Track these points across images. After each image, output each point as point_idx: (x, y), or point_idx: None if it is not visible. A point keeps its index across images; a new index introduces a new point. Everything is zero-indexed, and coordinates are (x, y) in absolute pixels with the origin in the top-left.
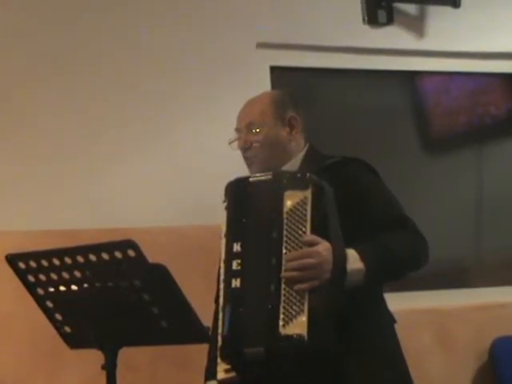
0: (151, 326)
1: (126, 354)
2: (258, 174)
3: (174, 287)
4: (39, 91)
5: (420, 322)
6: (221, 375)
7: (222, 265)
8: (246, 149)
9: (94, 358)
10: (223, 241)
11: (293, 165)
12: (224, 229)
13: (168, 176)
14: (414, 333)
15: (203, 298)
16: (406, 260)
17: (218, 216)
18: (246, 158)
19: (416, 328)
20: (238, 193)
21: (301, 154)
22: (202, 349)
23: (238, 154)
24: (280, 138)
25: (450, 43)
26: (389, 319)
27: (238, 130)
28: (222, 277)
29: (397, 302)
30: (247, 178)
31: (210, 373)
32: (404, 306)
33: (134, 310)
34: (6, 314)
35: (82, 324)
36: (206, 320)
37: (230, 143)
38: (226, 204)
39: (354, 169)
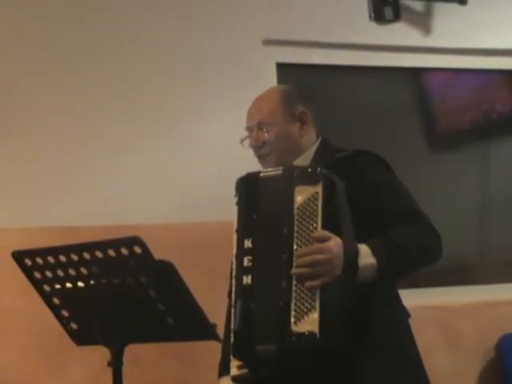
0: (157, 322)
1: (132, 351)
2: (268, 169)
3: (180, 284)
4: (41, 90)
5: (426, 319)
6: (234, 371)
7: (234, 260)
8: (258, 147)
9: (100, 354)
10: (235, 236)
11: (305, 159)
12: (235, 224)
13: (172, 173)
14: (419, 329)
15: (208, 295)
16: (419, 255)
17: (222, 212)
18: (259, 157)
19: (422, 325)
20: (248, 188)
21: (313, 148)
22: (208, 345)
23: (244, 151)
24: (291, 134)
25: (456, 40)
26: (402, 314)
27: (248, 128)
28: (233, 272)
29: (402, 298)
30: (258, 173)
31: (224, 368)
32: (410, 303)
33: (140, 307)
34: (11, 310)
35: (88, 321)
36: (212, 317)
37: (241, 142)
38: (236, 199)
39: (366, 162)
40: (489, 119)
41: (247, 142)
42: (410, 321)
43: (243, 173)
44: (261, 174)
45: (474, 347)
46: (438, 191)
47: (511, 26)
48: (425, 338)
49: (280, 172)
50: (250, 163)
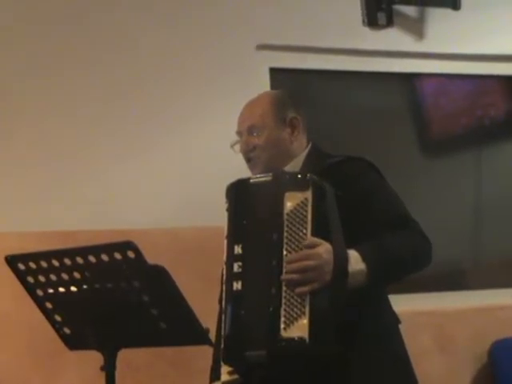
0: (150, 327)
1: (125, 355)
2: (258, 175)
3: (173, 289)
4: (38, 92)
5: (419, 324)
6: (224, 377)
7: (224, 266)
8: (248, 152)
9: (93, 359)
10: (225, 242)
11: (295, 165)
12: (226, 230)
13: (166, 177)
14: (413, 335)
15: (202, 300)
16: (409, 260)
17: (215, 217)
18: (248, 161)
19: (415, 330)
20: (238, 194)
21: (303, 154)
22: (201, 350)
23: (237, 155)
24: (281, 140)
25: (449, 45)
26: (392, 320)
27: (239, 133)
28: (224, 278)
29: (396, 303)
30: (248, 179)
31: (215, 374)
32: (403, 308)
33: (133, 312)
34: (5, 315)
35: (81, 325)
36: (205, 321)
37: (231, 146)
38: (227, 206)
39: (357, 168)
40: (482, 124)
41: (238, 147)
42: (404, 325)
43: (238, 177)
44: (251, 180)
45: (467, 352)
46: (432, 196)
47: (505, 31)
48: (418, 343)
49: (270, 178)
50: (244, 168)
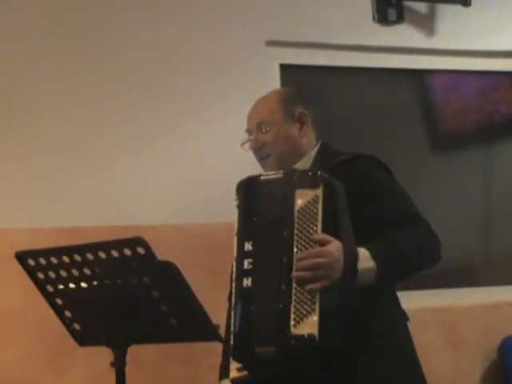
0: (160, 323)
1: (135, 351)
2: (269, 173)
3: (183, 285)
4: (47, 88)
5: (428, 321)
6: (233, 374)
7: (234, 263)
8: (258, 149)
9: (103, 355)
10: (235, 239)
11: (305, 162)
12: (236, 227)
13: (175, 174)
14: (422, 331)
15: (211, 296)
16: (418, 258)
17: (224, 214)
18: (259, 159)
19: (424, 326)
20: (249, 191)
21: (313, 152)
22: (210, 346)
23: (247, 152)
24: (291, 135)
25: (459, 42)
26: (401, 317)
27: (248, 131)
28: (234, 275)
29: (405, 300)
30: (258, 176)
31: (225, 371)
32: (412, 305)
33: (143, 308)
34: (14, 311)
35: (91, 321)
36: (215, 317)
37: (241, 144)
38: (237, 203)
39: (365, 165)
40: (492, 121)
41: (248, 145)
42: (412, 322)
43: (247, 173)
44: (261, 178)
45: (477, 349)
46: (441, 193)
47: None
48: (427, 339)
49: (280, 175)
50: (253, 164)
